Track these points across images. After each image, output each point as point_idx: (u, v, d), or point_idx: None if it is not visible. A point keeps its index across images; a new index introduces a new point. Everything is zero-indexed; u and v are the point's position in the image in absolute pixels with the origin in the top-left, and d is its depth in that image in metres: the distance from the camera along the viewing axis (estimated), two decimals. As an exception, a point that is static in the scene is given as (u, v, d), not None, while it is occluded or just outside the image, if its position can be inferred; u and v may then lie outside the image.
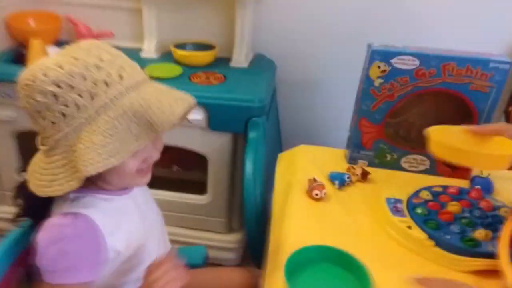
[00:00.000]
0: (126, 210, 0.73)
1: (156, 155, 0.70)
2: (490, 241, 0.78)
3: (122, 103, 0.60)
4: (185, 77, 1.28)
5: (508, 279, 0.61)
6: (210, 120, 1.20)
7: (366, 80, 0.98)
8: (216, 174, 1.32)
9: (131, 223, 0.73)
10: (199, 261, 1.03)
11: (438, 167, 1.05)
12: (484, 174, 1.01)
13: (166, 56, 1.42)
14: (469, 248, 0.76)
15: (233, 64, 1.38)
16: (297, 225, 0.88)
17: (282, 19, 1.50)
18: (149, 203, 0.85)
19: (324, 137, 1.67)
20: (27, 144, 1.33)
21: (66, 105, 0.60)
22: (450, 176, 1.05)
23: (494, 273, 0.75)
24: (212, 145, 1.26)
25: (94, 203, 0.68)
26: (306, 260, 0.75)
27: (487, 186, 0.99)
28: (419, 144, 1.05)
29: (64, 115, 0.60)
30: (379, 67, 0.96)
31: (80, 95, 0.60)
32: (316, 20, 1.49)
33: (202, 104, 1.19)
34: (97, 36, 1.48)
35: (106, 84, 0.60)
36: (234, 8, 1.34)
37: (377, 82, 0.97)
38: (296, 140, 1.70)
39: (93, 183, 0.68)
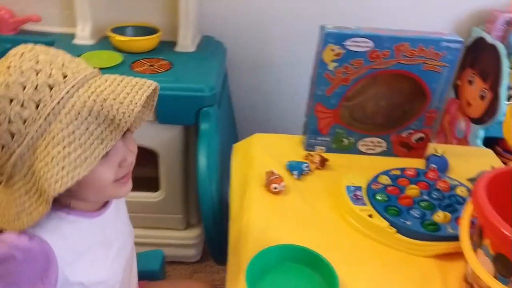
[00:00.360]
0: (92, 236, 0.65)
1: (131, 158, 0.62)
2: (449, 223, 0.78)
3: (73, 103, 0.52)
4: (126, 65, 1.17)
5: (469, 261, 0.61)
6: (157, 112, 1.12)
7: (320, 64, 0.94)
8: (168, 170, 1.25)
9: (95, 251, 0.65)
10: (155, 266, 0.97)
11: (394, 148, 1.05)
12: (439, 152, 1.02)
13: (104, 42, 1.29)
14: (430, 232, 0.76)
15: (178, 48, 1.28)
16: (256, 221, 0.84)
17: (229, -2, 1.42)
18: (119, 225, 0.75)
19: (281, 123, 1.63)
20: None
21: (10, 121, 0.52)
22: (406, 156, 1.05)
23: (456, 255, 0.76)
24: (162, 139, 1.19)
25: (58, 228, 0.59)
26: (268, 262, 0.72)
27: (442, 165, 1.00)
28: (375, 127, 1.05)
29: (11, 133, 0.52)
30: (332, 50, 0.92)
31: (22, 106, 0.51)
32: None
33: (148, 96, 1.10)
34: (22, 21, 1.32)
35: (50, 87, 0.52)
36: (176, -13, 1.24)
37: (332, 66, 0.94)
38: (252, 127, 1.65)
39: (64, 203, 0.60)
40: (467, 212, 0.68)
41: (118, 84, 0.55)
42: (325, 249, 0.76)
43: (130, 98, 0.53)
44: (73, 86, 0.53)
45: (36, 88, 0.52)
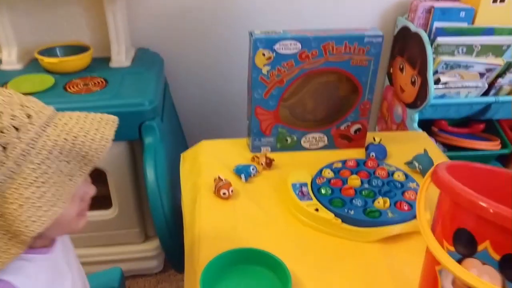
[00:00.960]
0: (49, 273, 0.63)
1: (92, 191, 0.63)
2: (388, 208, 0.83)
3: (42, 143, 0.52)
4: (59, 87, 1.14)
5: (427, 240, 0.55)
6: (99, 131, 1.10)
7: (254, 68, 0.96)
8: (118, 186, 1.23)
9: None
10: (113, 285, 0.96)
11: (336, 141, 1.09)
12: (376, 140, 1.07)
13: (33, 65, 1.25)
14: (372, 219, 0.81)
15: (113, 64, 1.26)
16: (208, 228, 0.85)
17: (160, 8, 1.41)
18: (69, 257, 0.73)
19: (228, 126, 1.64)
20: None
21: None
22: (347, 147, 1.10)
23: (398, 237, 0.81)
24: (107, 157, 1.16)
25: (21, 268, 0.58)
26: (222, 268, 0.74)
27: (381, 152, 1.06)
28: (316, 123, 1.09)
29: None
30: (263, 54, 0.94)
31: None
32: (197, 7, 1.43)
33: (86, 116, 1.08)
34: None
35: (16, 128, 0.51)
36: (102, 2, 1.21)
37: (265, 70, 0.96)
38: (201, 134, 1.65)
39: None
40: (421, 192, 0.59)
41: (84, 121, 0.56)
42: (276, 247, 0.79)
43: (100, 134, 0.55)
44: (40, 126, 0.53)
45: (1, 131, 0.51)
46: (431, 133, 1.53)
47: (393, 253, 0.79)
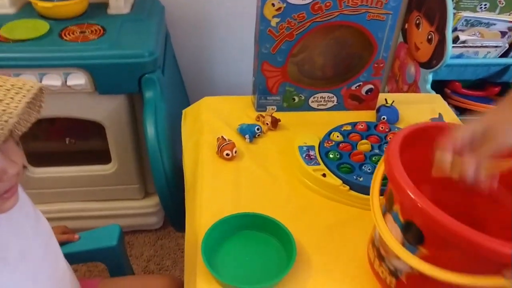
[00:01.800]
0: None
1: (13, 169, 0.52)
2: (400, 175, 0.79)
3: None
4: (55, 34, 1.06)
5: (377, 226, 0.57)
6: (96, 83, 1.04)
7: (262, 20, 0.88)
8: (117, 141, 1.19)
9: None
10: (112, 243, 0.94)
11: (345, 102, 1.04)
12: (389, 102, 1.02)
13: (27, 10, 1.16)
14: (382, 187, 0.77)
15: (111, 11, 1.18)
16: (210, 190, 0.82)
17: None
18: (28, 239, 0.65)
19: (232, 82, 1.57)
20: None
21: None
22: (357, 109, 1.05)
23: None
24: (105, 111, 1.11)
25: None
26: (224, 232, 0.71)
27: (393, 115, 1.00)
28: (325, 81, 1.02)
29: None
30: (273, 4, 0.86)
31: None
32: None
33: (82, 66, 1.01)
34: None
35: None
36: None
37: (274, 22, 0.89)
38: (204, 90, 1.59)
39: None
40: (379, 171, 0.62)
41: None
42: (281, 212, 0.76)
43: (2, 107, 0.46)
44: None
45: None
46: (443, 95, 1.46)
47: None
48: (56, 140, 1.25)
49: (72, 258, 0.90)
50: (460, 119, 1.39)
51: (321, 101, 1.03)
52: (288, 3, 0.86)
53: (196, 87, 1.55)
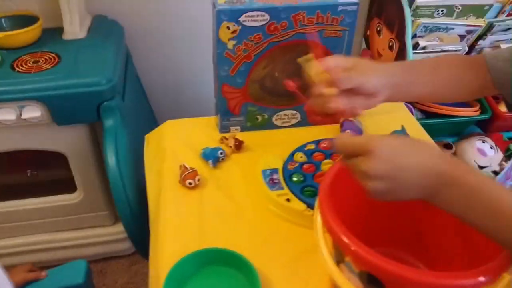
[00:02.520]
0: None
1: None
2: (364, 195, 0.79)
3: None
4: (7, 66, 1.02)
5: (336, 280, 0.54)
6: (53, 114, 1.01)
7: (218, 43, 0.87)
8: (81, 170, 1.16)
9: None
10: (78, 280, 0.91)
11: (309, 117, 1.03)
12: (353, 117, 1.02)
13: (-23, 41, 1.12)
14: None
15: (66, 36, 1.14)
16: (173, 223, 0.80)
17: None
18: None
19: (198, 103, 1.54)
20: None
21: None
22: (322, 123, 1.04)
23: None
24: (66, 141, 1.08)
25: None
26: (187, 270, 0.69)
27: (356, 129, 1.00)
28: (287, 100, 1.01)
29: None
30: (228, 27, 0.85)
31: None
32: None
33: (36, 98, 0.98)
34: None
35: None
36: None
37: (230, 44, 0.87)
38: (171, 111, 1.56)
39: None
40: (317, 218, 0.60)
41: None
42: (246, 241, 0.75)
43: None
44: None
45: None
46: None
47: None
48: (16, 173, 1.21)
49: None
50: (425, 122, 1.42)
51: (284, 118, 1.02)
52: (243, 25, 0.85)
53: (163, 107, 1.52)
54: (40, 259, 1.25)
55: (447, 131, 1.54)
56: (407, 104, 1.38)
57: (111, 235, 1.31)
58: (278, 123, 1.02)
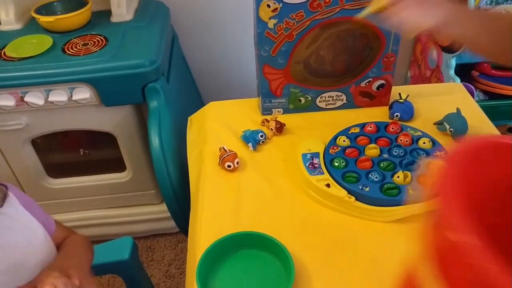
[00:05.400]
0: None
1: None
2: (410, 183, 0.73)
3: None
4: (58, 49, 1.07)
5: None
6: (101, 96, 1.04)
7: (259, 22, 0.84)
8: (129, 150, 1.19)
9: None
10: (124, 256, 0.94)
11: (356, 99, 0.98)
12: (403, 97, 0.95)
13: (32, 24, 1.17)
14: (390, 197, 0.72)
15: (114, 18, 1.16)
16: (211, 205, 0.80)
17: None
18: None
19: (243, 83, 1.53)
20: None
21: None
22: (369, 106, 0.99)
23: (418, 217, 0.72)
24: (114, 121, 1.11)
25: None
26: (221, 252, 0.69)
27: (407, 111, 0.94)
28: (332, 80, 0.96)
29: None
30: (268, 5, 0.82)
31: None
32: None
33: (85, 80, 1.01)
34: None
35: None
36: None
37: (271, 23, 0.84)
38: (217, 92, 1.55)
39: None
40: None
41: None
42: (283, 227, 0.73)
43: None
44: None
45: None
46: (470, 79, 1.36)
47: (413, 233, 0.71)
48: (70, 152, 1.28)
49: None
50: (488, 104, 1.30)
51: (329, 100, 0.97)
52: (284, 3, 0.81)
53: (209, 88, 1.52)
54: (92, 233, 1.32)
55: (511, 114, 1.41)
56: (468, 85, 1.28)
57: (159, 213, 1.35)
58: (322, 105, 0.98)
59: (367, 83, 0.95)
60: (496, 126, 1.13)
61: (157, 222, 1.37)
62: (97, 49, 1.05)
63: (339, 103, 0.98)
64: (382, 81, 0.94)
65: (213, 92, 1.52)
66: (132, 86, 1.03)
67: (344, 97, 0.97)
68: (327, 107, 0.98)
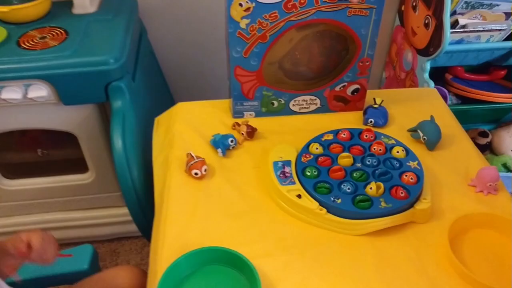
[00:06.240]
0: None
1: None
2: (382, 195, 0.71)
3: None
4: (13, 42, 0.98)
5: None
6: (60, 94, 0.97)
7: (230, 22, 0.79)
8: (92, 150, 1.12)
9: None
10: (83, 266, 0.89)
11: (330, 104, 0.95)
12: (377, 102, 0.93)
13: (-13, 14, 1.08)
14: (362, 210, 0.69)
15: (76, 10, 1.08)
16: (176, 216, 0.75)
17: None
18: None
19: (214, 84, 1.46)
20: None
21: None
22: (343, 110, 0.96)
23: (391, 230, 0.70)
24: (75, 121, 1.04)
25: None
26: (187, 269, 0.65)
27: (381, 117, 0.91)
28: (306, 84, 0.93)
29: None
30: (241, 4, 0.77)
31: None
32: None
33: (42, 77, 0.94)
34: None
35: None
36: None
37: (243, 23, 0.79)
38: (189, 88, 1.48)
39: None
40: None
41: None
42: (251, 240, 0.70)
43: None
44: None
45: None
46: (444, 82, 1.36)
47: (384, 247, 0.69)
48: (28, 151, 1.20)
49: (40, 283, 0.86)
50: (461, 109, 1.30)
51: (303, 104, 0.94)
52: (257, 3, 0.77)
53: (182, 87, 1.45)
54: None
55: (484, 118, 1.42)
56: (442, 89, 1.27)
57: (123, 216, 1.28)
58: (295, 109, 0.95)
59: (341, 87, 0.92)
60: (468, 130, 1.13)
61: (122, 225, 1.31)
62: (56, 43, 0.98)
63: (313, 107, 0.95)
64: (357, 86, 0.92)
65: (185, 91, 1.46)
66: (94, 84, 0.96)
67: (318, 101, 0.94)
68: (301, 111, 0.95)
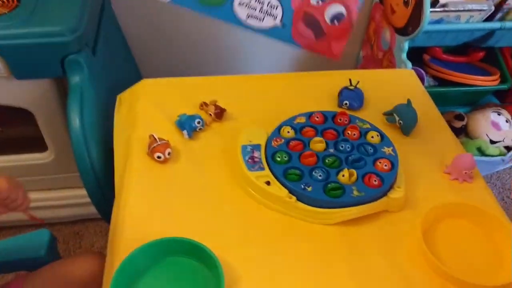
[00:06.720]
0: None
1: None
2: (355, 183, 0.67)
3: None
4: (-43, 8, 0.89)
5: None
6: (10, 67, 0.88)
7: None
8: (50, 128, 1.04)
9: None
10: (39, 253, 0.83)
11: (295, 27, 0.74)
12: (353, 84, 0.88)
13: None
14: (333, 199, 0.66)
15: (30, -26, 0.99)
16: (136, 202, 0.70)
17: None
18: None
19: (188, 57, 1.37)
20: None
21: None
22: (311, 48, 0.83)
23: (362, 219, 0.67)
24: (30, 96, 0.96)
25: None
26: (146, 260, 0.61)
27: (356, 99, 0.87)
28: None
29: None
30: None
31: None
32: None
33: (-9, 47, 0.85)
34: None
35: None
36: None
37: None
38: (159, 63, 1.39)
39: None
40: None
41: None
42: (216, 228, 0.66)
43: None
44: None
45: None
46: (422, 62, 1.33)
47: (356, 236, 0.66)
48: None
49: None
50: (438, 91, 1.28)
51: (254, 8, 0.73)
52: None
53: (151, 63, 1.36)
54: (10, 218, 1.17)
55: (461, 101, 1.40)
56: (419, 70, 1.24)
57: (87, 197, 1.21)
58: (242, 12, 0.77)
59: (319, 2, 0.73)
60: (444, 112, 1.11)
61: (85, 206, 1.23)
62: (5, 11, 0.88)
63: (269, 22, 0.74)
64: (341, 10, 0.74)
65: (155, 67, 1.37)
66: (48, 57, 0.87)
67: (279, 11, 0.74)
68: (250, 22, 0.76)
